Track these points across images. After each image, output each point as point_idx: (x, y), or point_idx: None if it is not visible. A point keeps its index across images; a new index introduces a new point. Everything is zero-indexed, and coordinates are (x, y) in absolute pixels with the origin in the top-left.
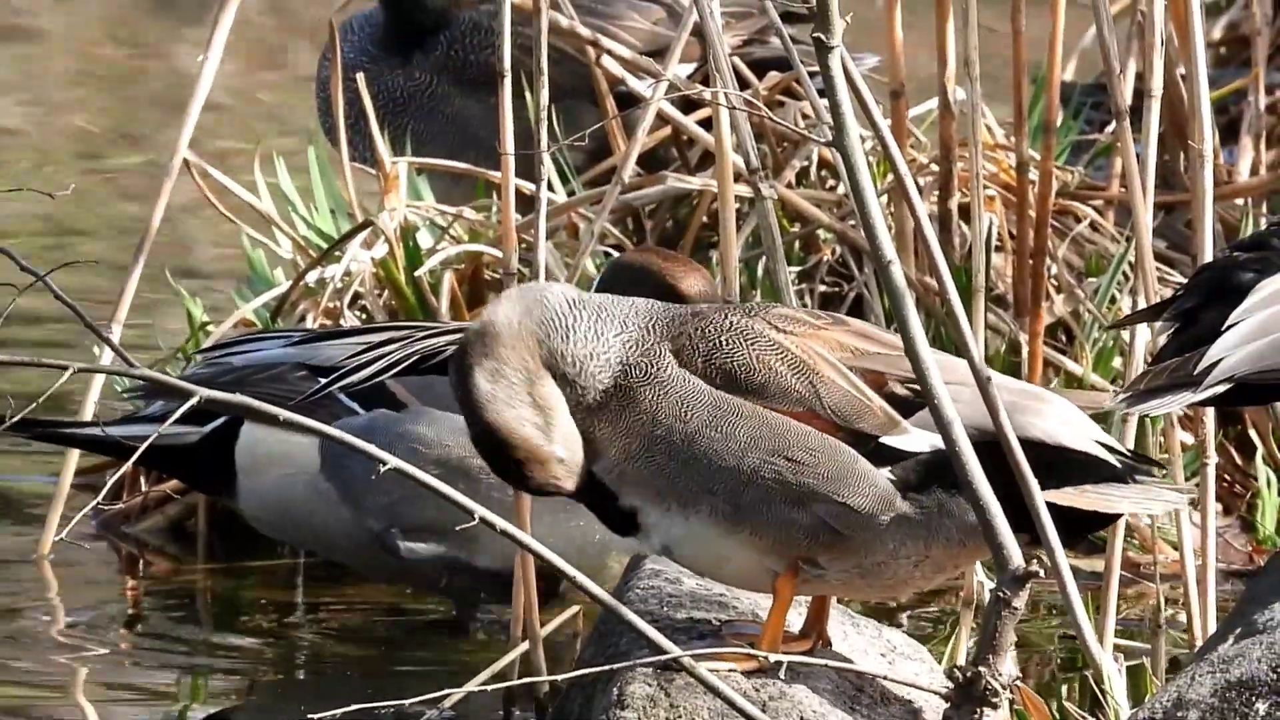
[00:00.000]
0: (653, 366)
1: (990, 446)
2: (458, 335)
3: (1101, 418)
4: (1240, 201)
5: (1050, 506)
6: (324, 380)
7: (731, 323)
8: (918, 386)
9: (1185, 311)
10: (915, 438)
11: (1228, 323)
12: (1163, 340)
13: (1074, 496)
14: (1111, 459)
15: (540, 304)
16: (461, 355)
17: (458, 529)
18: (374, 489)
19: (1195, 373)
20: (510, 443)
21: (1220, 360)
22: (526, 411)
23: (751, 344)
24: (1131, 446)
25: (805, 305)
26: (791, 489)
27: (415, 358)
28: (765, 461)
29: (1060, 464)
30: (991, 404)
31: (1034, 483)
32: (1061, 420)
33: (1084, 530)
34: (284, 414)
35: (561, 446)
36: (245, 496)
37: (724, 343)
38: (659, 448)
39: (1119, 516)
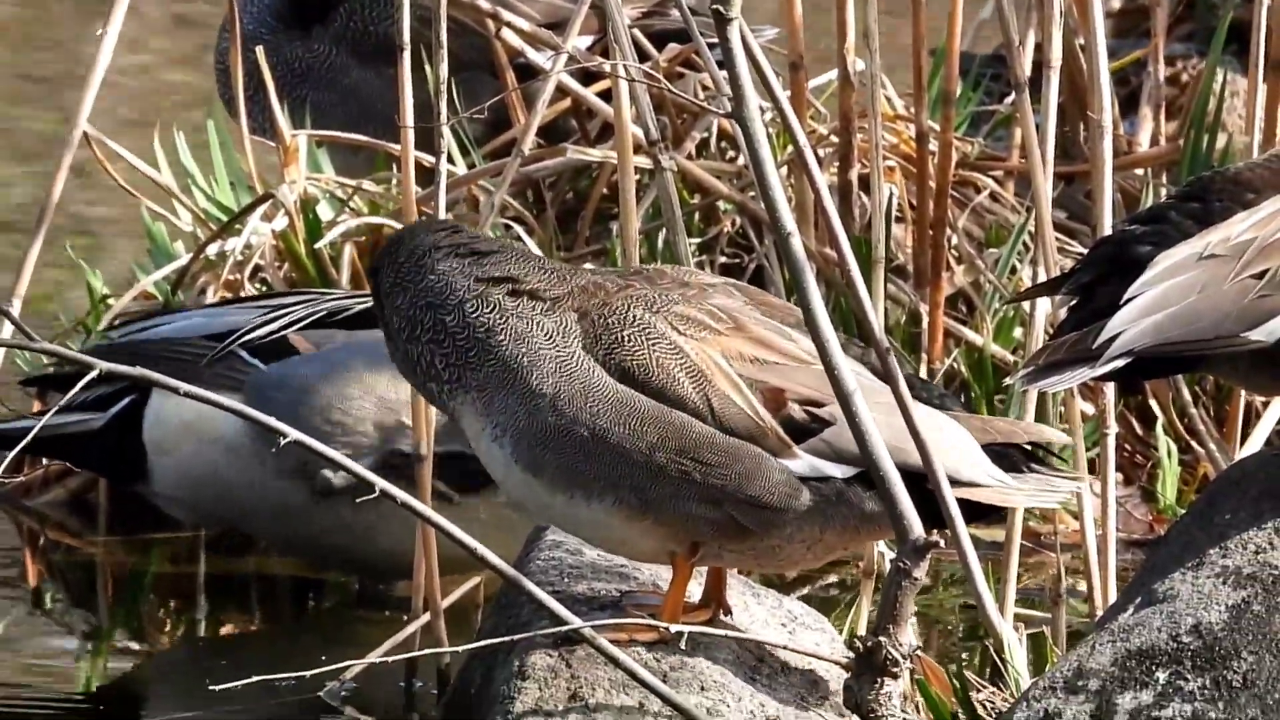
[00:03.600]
0: (559, 335)
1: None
2: (364, 297)
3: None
4: (1140, 172)
5: None
6: (228, 339)
7: (635, 316)
8: (815, 410)
9: (1084, 285)
10: (803, 463)
11: (1126, 296)
12: (1062, 314)
13: (970, 490)
14: (1003, 488)
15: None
16: None
17: (358, 500)
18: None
19: (1094, 347)
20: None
21: (1119, 334)
22: None
23: (653, 345)
24: (1032, 417)
25: None
26: (699, 488)
27: (320, 314)
28: (672, 461)
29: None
30: (892, 374)
31: (935, 454)
32: (955, 452)
33: (980, 518)
34: (185, 387)
35: None
36: (159, 476)
37: (625, 338)
38: (566, 439)
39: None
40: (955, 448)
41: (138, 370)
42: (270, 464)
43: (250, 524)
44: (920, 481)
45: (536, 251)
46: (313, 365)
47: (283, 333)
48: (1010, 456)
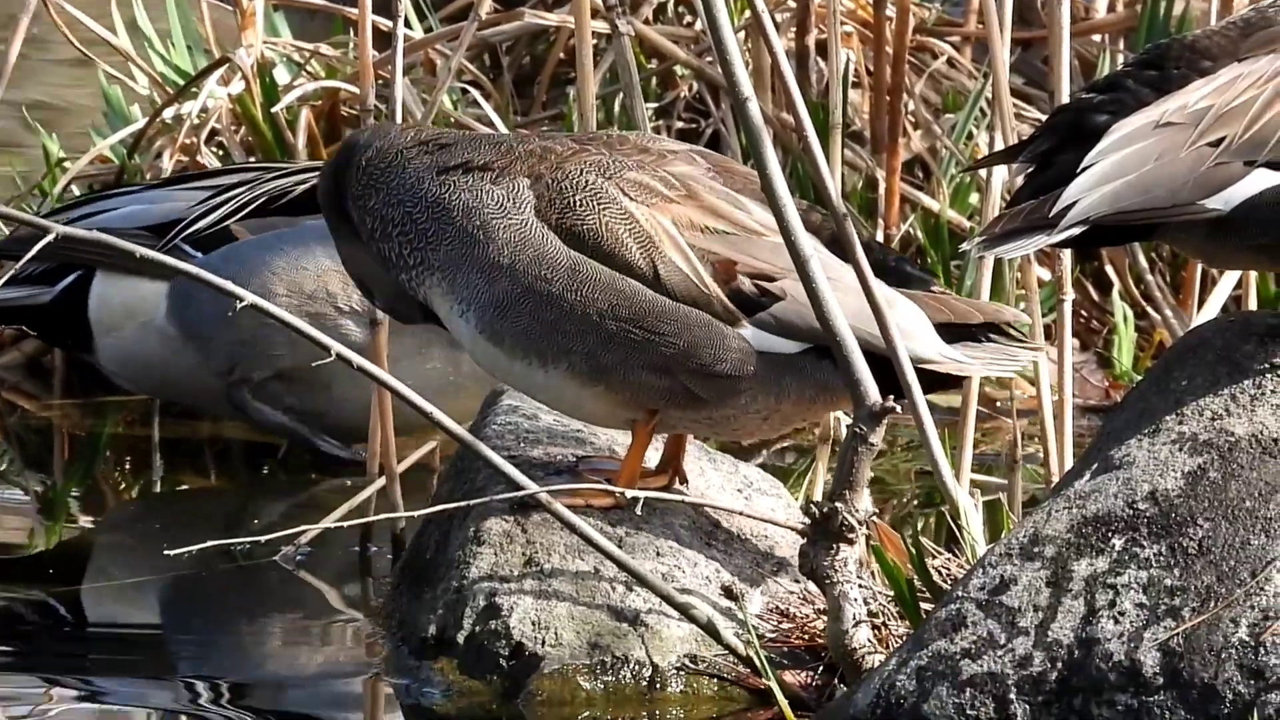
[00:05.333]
0: (510, 203)
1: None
2: (305, 175)
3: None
4: (1097, 38)
5: None
6: (168, 234)
7: (587, 181)
8: (765, 284)
9: (1041, 153)
10: (750, 334)
11: (1083, 165)
12: (1019, 181)
13: (927, 361)
14: (956, 365)
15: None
16: None
17: (314, 365)
18: (220, 329)
19: (1051, 215)
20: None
21: (1076, 202)
22: None
23: (603, 209)
24: (989, 283)
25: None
26: (650, 355)
27: (261, 199)
28: (623, 328)
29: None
30: (848, 240)
31: (889, 318)
32: (908, 330)
33: (935, 388)
34: (141, 250)
35: None
36: (104, 353)
37: (576, 203)
38: (522, 307)
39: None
40: (906, 324)
41: (94, 233)
42: (195, 356)
43: (192, 401)
44: (875, 355)
45: (497, 120)
46: (232, 264)
47: (224, 224)
48: (967, 327)
